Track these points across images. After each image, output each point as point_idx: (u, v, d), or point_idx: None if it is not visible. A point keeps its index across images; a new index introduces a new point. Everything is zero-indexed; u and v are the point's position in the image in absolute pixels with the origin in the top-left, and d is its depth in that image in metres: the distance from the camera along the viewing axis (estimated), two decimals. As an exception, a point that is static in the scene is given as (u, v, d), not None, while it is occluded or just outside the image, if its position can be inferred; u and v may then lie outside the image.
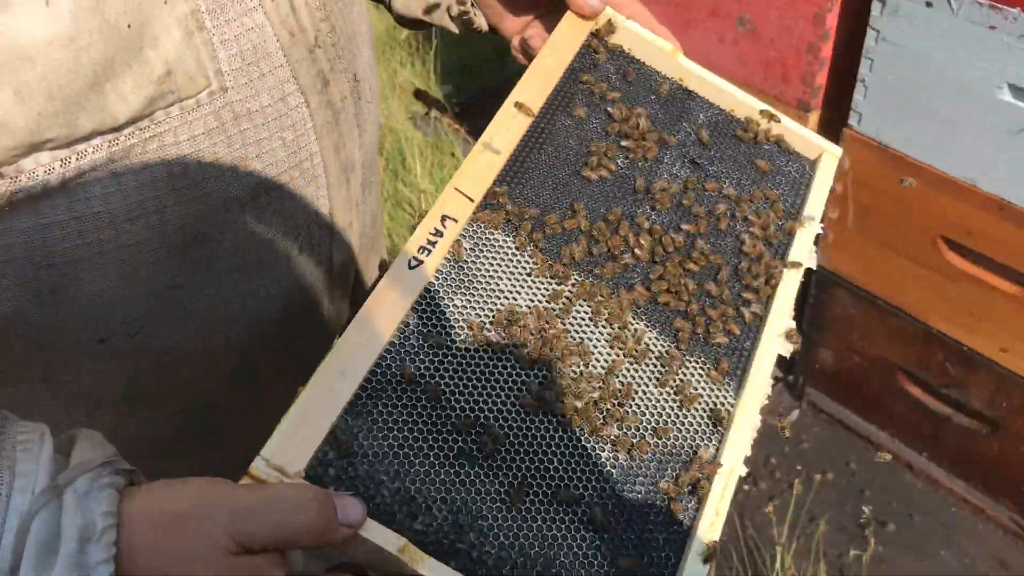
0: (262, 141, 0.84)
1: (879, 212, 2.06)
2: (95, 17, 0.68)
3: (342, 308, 1.05)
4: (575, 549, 0.78)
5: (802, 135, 1.09)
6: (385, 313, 0.80)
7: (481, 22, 1.11)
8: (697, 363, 0.91)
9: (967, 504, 2.23)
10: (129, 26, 0.70)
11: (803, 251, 1.01)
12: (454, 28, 1.13)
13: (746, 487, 2.26)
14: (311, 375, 1.06)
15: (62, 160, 0.72)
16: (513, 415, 0.81)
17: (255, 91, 0.81)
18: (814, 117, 2.08)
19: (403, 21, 1.13)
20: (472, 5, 1.09)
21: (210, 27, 0.76)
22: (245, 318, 0.92)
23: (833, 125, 2.05)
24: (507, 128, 0.94)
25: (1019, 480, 2.13)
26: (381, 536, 0.71)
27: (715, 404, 0.90)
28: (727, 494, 0.84)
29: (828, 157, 1.10)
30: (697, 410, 0.89)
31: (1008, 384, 2.03)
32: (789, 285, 0.98)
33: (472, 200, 0.89)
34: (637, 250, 0.93)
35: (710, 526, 0.82)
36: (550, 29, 1.09)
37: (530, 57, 1.11)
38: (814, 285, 2.28)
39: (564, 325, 0.87)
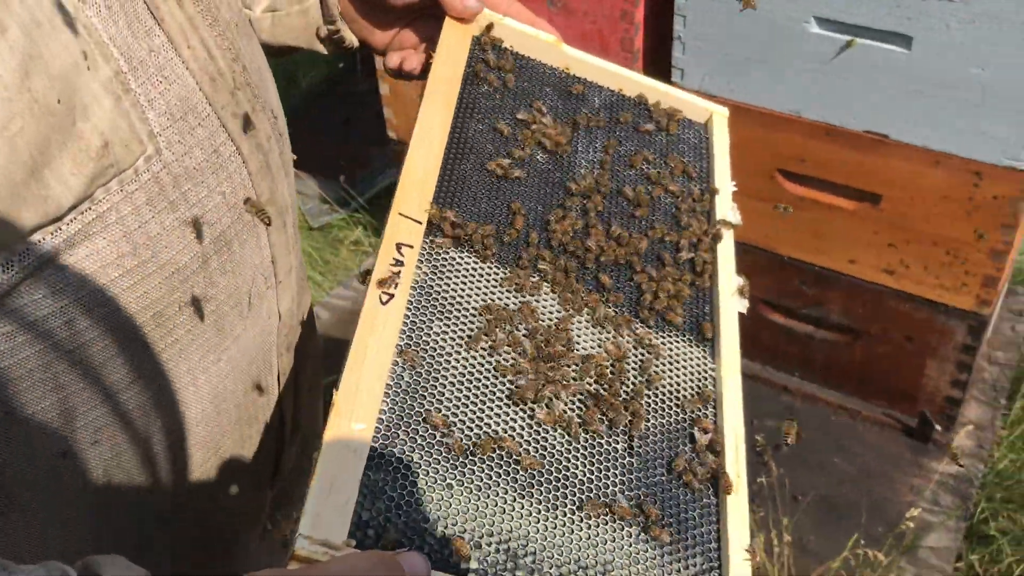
0: (204, 199, 0.77)
1: (716, 158, 2.15)
2: (23, 97, 0.60)
3: (291, 357, 1.00)
4: (624, 547, 0.77)
5: (688, 101, 1.12)
6: (372, 357, 0.76)
7: (351, 39, 1.08)
8: (672, 336, 0.92)
9: (845, 411, 2.38)
10: (59, 101, 0.62)
11: (726, 210, 1.04)
12: (323, 50, 1.09)
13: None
14: (278, 437, 1.01)
15: (3, 264, 0.64)
16: (525, 427, 0.79)
17: (188, 147, 0.75)
18: (638, 80, 2.15)
19: (268, 50, 1.07)
20: (341, 20, 1.05)
21: (135, 88, 0.69)
22: (208, 388, 0.86)
23: (658, 84, 2.12)
24: (428, 146, 0.91)
25: (884, 377, 2.30)
26: None
27: (701, 372, 0.91)
28: (740, 454, 0.85)
29: (718, 118, 1.13)
30: (686, 382, 0.89)
31: (860, 292, 2.18)
32: (726, 245, 1.01)
33: (420, 223, 0.86)
34: (590, 240, 0.93)
35: (735, 489, 0.83)
36: (423, 35, 1.07)
37: (399, 76, 1.08)
38: (667, 240, 2.36)
39: (545, 325, 0.86)
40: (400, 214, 0.85)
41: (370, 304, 0.78)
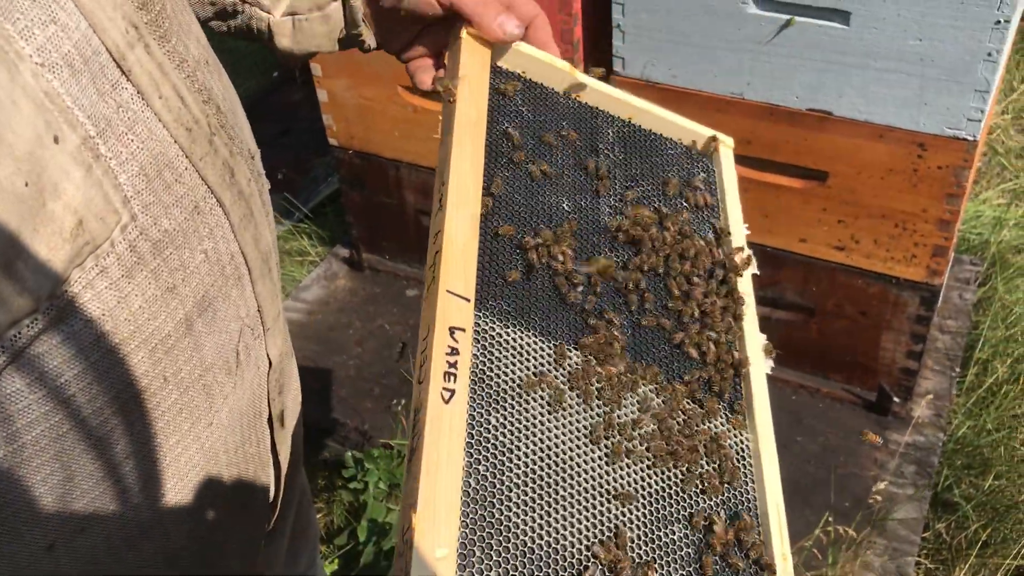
0: (186, 262, 0.71)
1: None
2: None
3: (282, 400, 0.94)
4: None
5: (692, 130, 1.08)
6: (445, 467, 0.69)
7: (372, 42, 1.01)
8: (713, 408, 0.89)
9: (804, 389, 2.39)
10: (27, 184, 0.56)
11: (743, 256, 1.01)
12: (337, 49, 1.02)
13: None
14: (275, 480, 0.97)
15: None
16: (596, 524, 0.76)
17: (166, 207, 0.68)
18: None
19: (288, 58, 1.01)
20: (364, 24, 0.98)
21: (105, 152, 0.62)
22: (200, 456, 0.79)
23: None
24: (465, 207, 0.84)
25: (842, 353, 2.32)
26: None
27: (739, 444, 0.87)
28: (783, 533, 0.82)
29: (724, 149, 1.09)
30: (722, 454, 0.86)
31: (814, 270, 2.19)
32: (749, 299, 0.97)
33: (468, 300, 0.79)
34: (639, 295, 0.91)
35: (782, 572, 0.80)
36: (436, 44, 1.01)
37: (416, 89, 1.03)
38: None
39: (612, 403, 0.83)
40: (448, 291, 0.77)
41: (434, 407, 0.71)
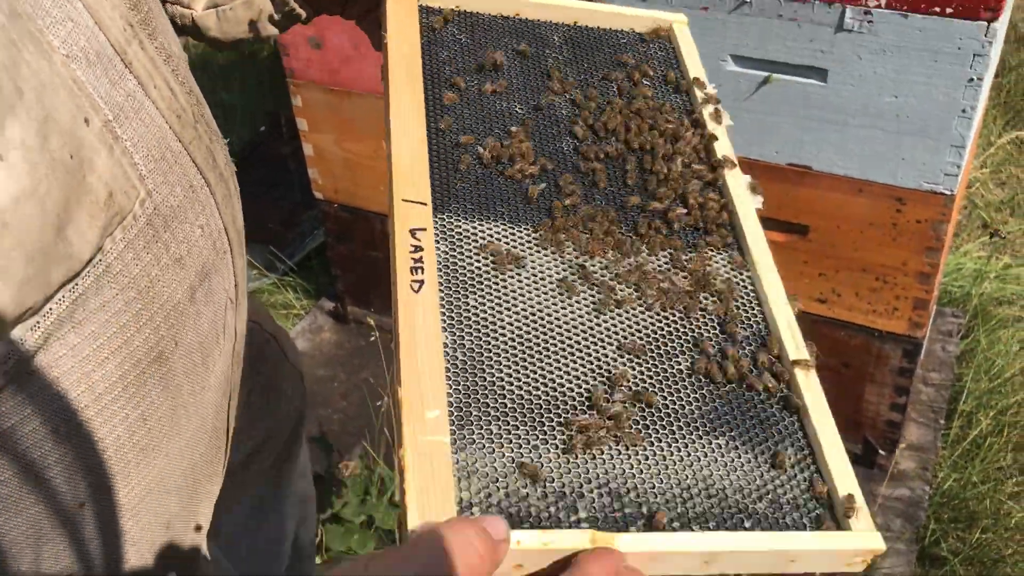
0: (188, 235, 0.79)
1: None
2: (44, 157, 0.60)
3: (239, 370, 1.00)
4: (718, 459, 0.76)
5: (644, 16, 1.12)
6: (423, 346, 0.74)
7: (301, 12, 1.07)
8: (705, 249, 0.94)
9: (789, 442, 2.38)
10: (72, 156, 0.63)
11: (710, 110, 1.04)
12: (274, 31, 1.08)
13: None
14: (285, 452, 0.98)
15: (32, 327, 0.64)
16: (594, 370, 0.79)
17: (171, 186, 0.76)
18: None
19: (219, 44, 1.07)
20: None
21: (121, 134, 0.70)
22: (199, 419, 0.86)
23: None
24: (408, 134, 0.90)
25: (832, 408, 2.31)
26: (568, 540, 0.66)
27: (739, 275, 0.92)
28: (800, 345, 0.86)
29: (679, 26, 1.13)
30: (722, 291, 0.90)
31: (800, 324, 2.19)
32: (723, 143, 1.01)
33: (425, 204, 0.85)
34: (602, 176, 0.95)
35: (804, 380, 0.84)
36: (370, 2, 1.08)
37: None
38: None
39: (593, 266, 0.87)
40: (404, 200, 0.84)
41: (404, 296, 0.77)
